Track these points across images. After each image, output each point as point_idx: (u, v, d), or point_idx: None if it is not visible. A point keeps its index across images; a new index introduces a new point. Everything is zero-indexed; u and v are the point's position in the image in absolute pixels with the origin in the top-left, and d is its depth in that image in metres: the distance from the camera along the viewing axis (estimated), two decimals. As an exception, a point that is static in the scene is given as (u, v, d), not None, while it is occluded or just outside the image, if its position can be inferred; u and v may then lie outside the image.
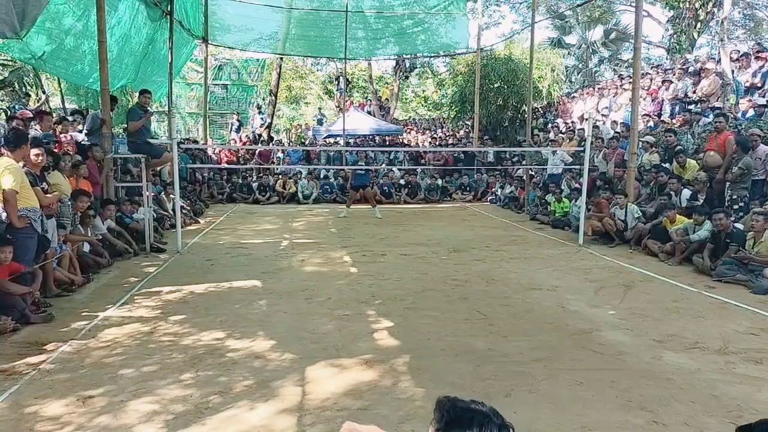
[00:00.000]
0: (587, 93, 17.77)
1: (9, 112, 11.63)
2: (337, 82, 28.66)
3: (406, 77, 29.92)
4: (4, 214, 5.19)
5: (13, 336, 4.60)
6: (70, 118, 9.43)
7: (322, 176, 16.16)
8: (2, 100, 16.06)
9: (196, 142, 17.34)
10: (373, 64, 28.16)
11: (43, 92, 14.87)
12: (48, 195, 5.85)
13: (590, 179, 9.74)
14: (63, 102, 15.13)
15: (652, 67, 15.56)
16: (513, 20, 30.37)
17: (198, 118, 20.42)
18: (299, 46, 18.78)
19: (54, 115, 9.78)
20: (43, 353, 4.22)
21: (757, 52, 11.36)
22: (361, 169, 13.03)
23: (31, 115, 8.28)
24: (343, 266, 7.43)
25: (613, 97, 15.01)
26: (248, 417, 3.29)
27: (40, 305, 5.26)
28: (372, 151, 16.81)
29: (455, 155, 17.11)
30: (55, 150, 7.24)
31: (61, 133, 8.37)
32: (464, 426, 1.34)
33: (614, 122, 12.82)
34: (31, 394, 3.54)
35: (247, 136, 19.07)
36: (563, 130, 14.88)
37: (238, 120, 19.82)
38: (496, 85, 17.40)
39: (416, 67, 30.72)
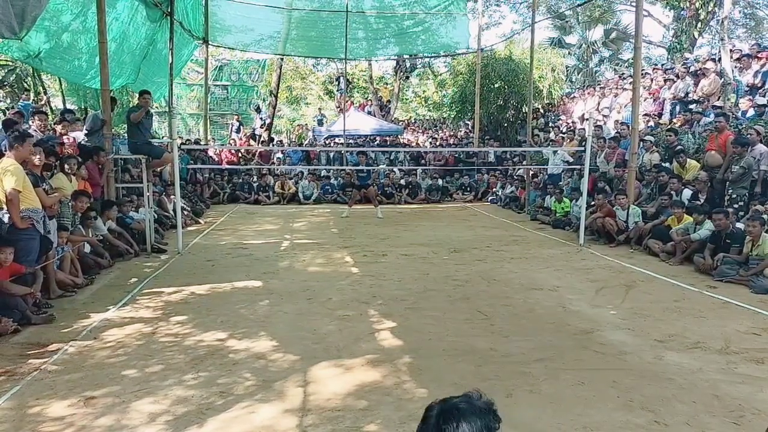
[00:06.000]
0: (588, 93, 17.76)
1: (7, 112, 11.63)
2: (337, 83, 28.70)
3: (407, 77, 29.95)
4: (6, 216, 5.19)
5: (15, 337, 4.61)
6: (69, 118, 9.42)
7: (322, 176, 16.16)
8: (1, 101, 16.08)
9: (197, 142, 17.34)
10: (373, 64, 28.20)
11: (45, 92, 14.89)
12: (50, 195, 5.87)
13: (591, 179, 9.73)
14: (64, 102, 15.16)
15: (654, 68, 15.54)
16: (513, 20, 30.43)
17: (198, 119, 20.42)
18: (300, 46, 18.79)
19: (55, 115, 9.76)
20: (44, 354, 4.23)
21: (757, 52, 11.37)
22: (363, 170, 13.06)
23: (19, 111, 8.26)
24: (344, 266, 7.43)
25: (614, 97, 15.01)
26: (250, 417, 3.29)
27: (41, 306, 5.27)
28: (372, 152, 16.80)
29: (456, 155, 17.11)
30: (58, 152, 7.24)
31: (62, 134, 8.36)
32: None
33: (617, 122, 12.82)
34: (33, 395, 3.54)
35: (246, 134, 19.07)
36: (564, 130, 14.88)
37: (238, 121, 19.84)
38: (496, 85, 17.40)
39: (417, 68, 30.73)
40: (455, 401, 1.49)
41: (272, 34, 17.35)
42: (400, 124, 26.79)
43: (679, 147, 9.72)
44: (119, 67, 10.96)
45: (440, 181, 16.33)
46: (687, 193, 8.79)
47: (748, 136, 8.30)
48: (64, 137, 8.29)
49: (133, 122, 8.36)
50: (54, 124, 8.85)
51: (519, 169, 15.01)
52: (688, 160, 9.38)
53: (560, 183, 12.20)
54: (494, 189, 15.51)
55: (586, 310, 5.46)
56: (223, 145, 18.83)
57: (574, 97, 19.00)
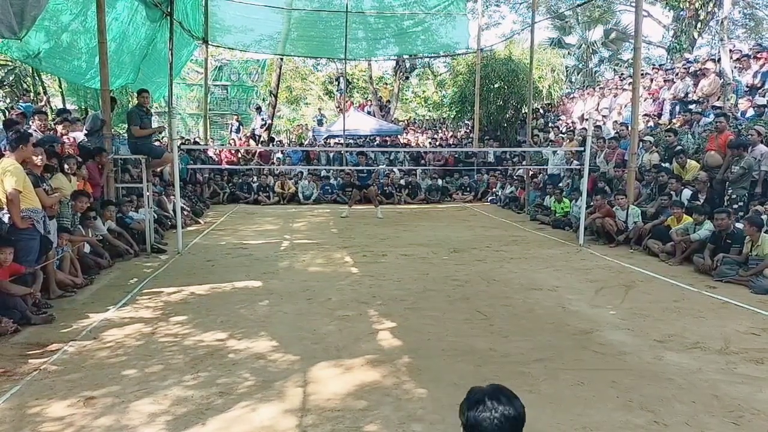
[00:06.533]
0: (587, 93, 17.78)
1: (7, 113, 11.63)
2: (337, 83, 28.71)
3: (407, 77, 29.95)
4: (6, 216, 5.19)
5: (15, 337, 4.61)
6: (70, 118, 9.41)
7: (322, 176, 16.16)
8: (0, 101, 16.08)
9: (197, 143, 17.34)
10: (373, 64, 28.21)
11: (44, 92, 14.88)
12: (51, 195, 5.87)
13: (591, 179, 9.74)
14: (64, 102, 15.16)
15: (653, 68, 15.56)
16: (513, 20, 30.49)
17: (198, 119, 20.43)
18: (299, 46, 18.78)
19: (56, 116, 9.74)
20: (44, 354, 4.23)
21: (757, 52, 11.38)
22: (364, 170, 13.07)
23: (22, 112, 8.26)
24: (343, 267, 7.43)
25: (614, 97, 15.03)
26: (250, 417, 3.29)
27: (41, 306, 5.27)
28: (372, 152, 16.80)
29: (455, 155, 17.11)
30: (58, 152, 7.24)
31: (62, 134, 8.36)
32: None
33: (615, 122, 12.85)
34: (32, 395, 3.55)
35: (245, 135, 19.09)
36: (563, 131, 14.89)
37: (238, 121, 19.86)
38: (496, 86, 17.40)
39: (416, 68, 30.74)
40: (497, 385, 1.75)
41: (272, 34, 17.35)
42: (400, 124, 26.81)
43: (678, 147, 9.72)
44: (119, 67, 10.96)
45: (440, 182, 16.34)
46: (687, 193, 8.80)
47: (749, 137, 8.31)
48: (65, 137, 8.28)
49: (138, 136, 8.38)
50: (55, 124, 8.84)
51: (519, 169, 15.02)
52: (688, 160, 9.38)
53: (560, 183, 12.21)
54: (494, 189, 15.52)
55: (585, 310, 5.47)
56: (222, 145, 18.84)
57: (574, 97, 19.02)
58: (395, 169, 16.32)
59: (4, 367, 3.96)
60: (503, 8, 29.67)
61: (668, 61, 18.96)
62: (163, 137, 12.20)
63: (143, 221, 8.39)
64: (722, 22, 12.32)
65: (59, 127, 8.52)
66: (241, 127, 19.60)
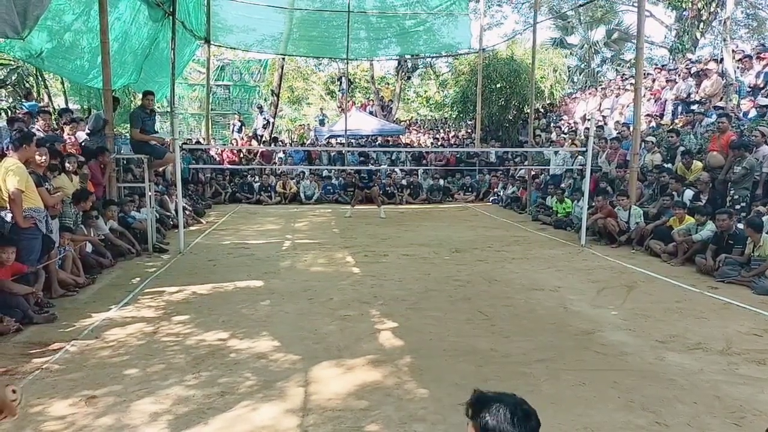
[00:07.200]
0: (589, 93, 17.75)
1: (10, 112, 11.64)
2: (339, 83, 28.71)
3: (408, 77, 29.95)
4: (9, 215, 5.21)
5: (17, 336, 4.62)
6: (75, 118, 9.42)
7: (324, 176, 16.17)
8: (2, 100, 16.08)
9: (199, 143, 17.36)
10: (375, 64, 28.21)
11: (47, 92, 14.89)
12: (53, 195, 5.89)
13: (593, 179, 9.73)
14: (66, 102, 15.17)
15: (656, 68, 15.54)
16: (515, 20, 30.56)
17: (200, 119, 20.45)
18: (301, 46, 18.80)
19: (63, 116, 9.73)
20: (46, 353, 4.24)
21: (759, 53, 11.35)
22: (366, 170, 13.08)
23: (29, 112, 8.29)
24: (345, 267, 7.43)
25: (616, 97, 15.01)
26: (251, 417, 3.30)
27: (43, 305, 5.28)
28: (374, 152, 16.80)
29: (457, 155, 17.11)
30: (61, 151, 7.26)
31: (69, 134, 8.37)
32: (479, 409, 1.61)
33: (617, 123, 12.83)
34: (34, 394, 3.55)
35: (247, 134, 19.11)
36: (565, 131, 14.88)
37: (239, 120, 19.88)
38: (498, 86, 17.40)
39: (418, 68, 30.74)
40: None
41: (274, 34, 17.36)
42: (402, 124, 26.80)
43: (683, 148, 9.71)
44: (121, 66, 10.98)
45: (442, 182, 16.34)
46: (689, 193, 8.78)
47: (753, 137, 8.30)
48: (68, 136, 8.30)
49: (136, 138, 8.39)
50: (63, 125, 8.86)
51: (520, 169, 15.01)
52: (693, 161, 9.36)
53: (562, 184, 12.20)
54: (496, 189, 15.52)
55: (587, 310, 5.46)
56: (224, 144, 18.86)
57: (576, 97, 19.00)
58: (397, 169, 16.32)
59: (6, 366, 3.97)
60: (505, 8, 29.70)
61: (671, 61, 18.92)
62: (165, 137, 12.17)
63: (145, 221, 8.40)
64: (725, 22, 12.27)
65: (66, 128, 8.53)
66: (243, 126, 19.62)
